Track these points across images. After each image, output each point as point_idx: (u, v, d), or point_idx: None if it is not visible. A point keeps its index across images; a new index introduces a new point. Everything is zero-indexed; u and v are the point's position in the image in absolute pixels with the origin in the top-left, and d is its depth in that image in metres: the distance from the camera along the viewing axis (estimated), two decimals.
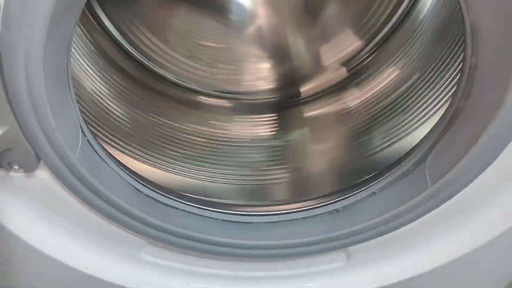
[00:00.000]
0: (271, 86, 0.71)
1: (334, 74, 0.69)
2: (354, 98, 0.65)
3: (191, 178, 0.59)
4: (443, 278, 0.51)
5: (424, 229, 0.49)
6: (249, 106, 0.71)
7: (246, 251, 0.49)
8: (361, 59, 0.67)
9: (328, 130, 0.66)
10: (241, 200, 0.59)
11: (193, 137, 0.64)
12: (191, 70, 0.68)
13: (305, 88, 0.70)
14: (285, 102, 0.71)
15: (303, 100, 0.70)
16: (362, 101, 0.64)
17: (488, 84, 0.41)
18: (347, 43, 0.67)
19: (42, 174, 0.41)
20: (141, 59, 0.67)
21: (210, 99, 0.70)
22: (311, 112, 0.69)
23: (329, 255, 0.51)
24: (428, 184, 0.45)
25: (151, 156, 0.58)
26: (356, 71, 0.67)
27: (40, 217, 0.44)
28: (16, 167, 0.40)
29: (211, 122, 0.67)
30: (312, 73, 0.70)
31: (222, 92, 0.70)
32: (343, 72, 0.68)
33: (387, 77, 0.63)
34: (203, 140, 0.65)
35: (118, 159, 0.49)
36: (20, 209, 0.43)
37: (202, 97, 0.70)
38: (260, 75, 0.71)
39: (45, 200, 0.43)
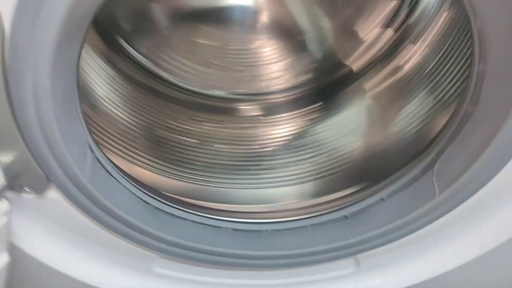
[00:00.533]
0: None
1: (383, 38, 0.67)
2: (412, 53, 0.63)
3: (204, 185, 0.60)
4: (450, 283, 0.52)
5: (431, 235, 0.49)
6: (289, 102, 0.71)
7: (256, 261, 0.50)
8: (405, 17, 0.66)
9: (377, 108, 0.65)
10: (252, 206, 0.59)
11: (224, 146, 0.65)
12: (229, 81, 0.69)
13: (358, 63, 0.69)
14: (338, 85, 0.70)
15: (361, 74, 0.69)
16: (421, 53, 0.62)
17: (497, 91, 0.41)
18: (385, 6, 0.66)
19: (53, 194, 0.41)
20: (162, 74, 0.67)
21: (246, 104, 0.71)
22: (369, 88, 0.67)
23: (339, 262, 0.52)
24: (436, 192, 0.45)
25: (165, 166, 0.59)
26: (405, 29, 0.66)
27: (52, 236, 0.44)
28: (27, 190, 0.40)
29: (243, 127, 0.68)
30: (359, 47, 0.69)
31: (253, 94, 0.70)
32: (390, 33, 0.67)
33: (439, 19, 0.60)
34: (233, 147, 0.65)
35: (129, 172, 0.50)
36: (32, 230, 0.43)
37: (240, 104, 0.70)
38: (303, 67, 0.70)
39: (57, 219, 0.43)
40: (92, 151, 0.44)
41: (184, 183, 0.61)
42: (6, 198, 0.39)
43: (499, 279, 0.53)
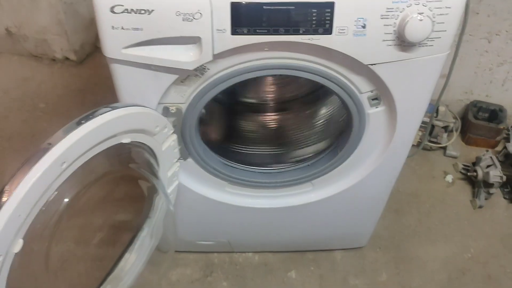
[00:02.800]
0: None
1: None
2: None
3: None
4: (352, 192, 1.19)
5: (341, 171, 1.15)
6: None
7: (270, 184, 1.18)
8: None
9: None
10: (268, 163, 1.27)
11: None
12: None
13: None
14: None
15: None
16: None
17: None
18: None
19: (189, 159, 1.10)
20: None
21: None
22: None
23: (305, 184, 1.19)
24: (338, 153, 1.11)
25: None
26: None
27: (189, 175, 1.14)
28: (186, 159, 1.09)
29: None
30: None
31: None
32: None
33: None
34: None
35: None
36: (183, 172, 1.12)
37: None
38: None
39: (190, 168, 1.12)
40: (204, 143, 1.12)
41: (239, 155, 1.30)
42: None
43: (370, 191, 1.20)
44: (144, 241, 0.99)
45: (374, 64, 0.88)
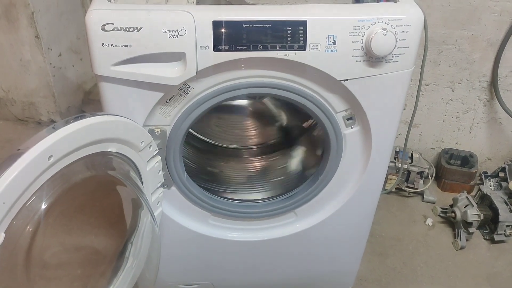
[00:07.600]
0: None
1: None
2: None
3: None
4: (334, 221, 1.20)
5: (323, 197, 1.18)
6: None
7: (253, 215, 1.19)
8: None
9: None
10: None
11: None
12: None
13: None
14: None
15: None
16: None
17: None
18: None
19: (173, 188, 1.11)
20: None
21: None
22: None
23: (287, 215, 1.21)
24: (318, 180, 1.14)
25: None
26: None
27: (172, 203, 1.14)
28: (164, 187, 1.10)
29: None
30: None
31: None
32: None
33: None
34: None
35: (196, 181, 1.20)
36: (168, 204, 1.13)
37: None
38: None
39: (173, 197, 1.13)
40: (187, 175, 1.15)
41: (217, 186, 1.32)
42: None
43: (352, 216, 1.21)
44: (128, 262, 0.97)
45: (346, 80, 0.95)
